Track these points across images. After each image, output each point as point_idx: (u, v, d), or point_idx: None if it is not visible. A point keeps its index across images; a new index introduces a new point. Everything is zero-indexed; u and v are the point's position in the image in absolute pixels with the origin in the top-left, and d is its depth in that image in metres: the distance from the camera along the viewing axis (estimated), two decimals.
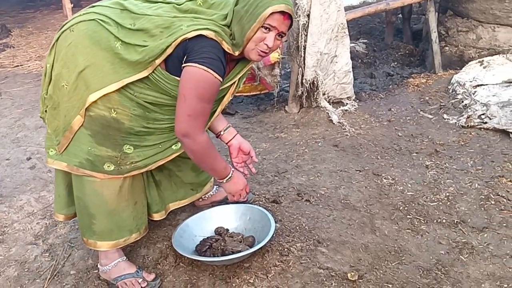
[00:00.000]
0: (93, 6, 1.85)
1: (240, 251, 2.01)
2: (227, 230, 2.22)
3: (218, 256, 2.03)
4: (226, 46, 1.71)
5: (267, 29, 1.70)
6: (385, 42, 5.19)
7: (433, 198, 2.43)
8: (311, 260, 2.05)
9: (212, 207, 2.36)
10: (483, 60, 3.80)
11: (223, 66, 1.71)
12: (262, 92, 3.69)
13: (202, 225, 2.23)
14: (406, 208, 2.37)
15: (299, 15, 3.25)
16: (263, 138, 3.22)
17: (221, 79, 1.70)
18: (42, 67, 5.49)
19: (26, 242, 2.30)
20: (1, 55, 5.69)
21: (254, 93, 3.69)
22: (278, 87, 3.60)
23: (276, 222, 2.22)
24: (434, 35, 4.05)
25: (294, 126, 3.37)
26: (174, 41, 1.65)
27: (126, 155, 1.83)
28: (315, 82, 3.43)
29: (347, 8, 3.70)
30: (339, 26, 3.38)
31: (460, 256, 2.03)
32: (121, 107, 1.74)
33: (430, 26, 4.05)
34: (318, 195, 2.53)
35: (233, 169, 1.99)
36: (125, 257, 2.03)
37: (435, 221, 2.26)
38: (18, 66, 5.48)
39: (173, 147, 1.93)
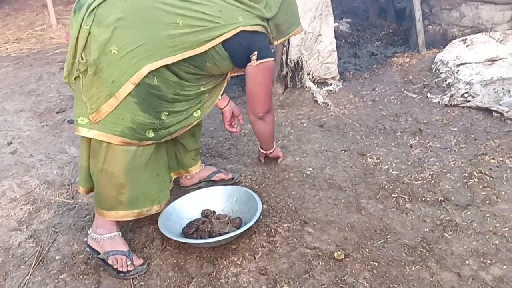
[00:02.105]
0: None
1: (227, 233, 2.01)
2: (214, 212, 2.22)
3: (205, 238, 2.03)
4: (270, 38, 2.10)
5: None
6: (369, 21, 5.17)
7: (418, 177, 2.46)
8: (298, 240, 2.06)
9: (198, 188, 2.35)
10: (466, 39, 3.82)
11: None
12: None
13: (188, 208, 2.22)
14: (391, 187, 2.40)
15: None
16: (248, 120, 3.19)
17: None
18: (21, 50, 5.35)
19: (10, 228, 2.27)
20: None
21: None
22: None
23: (262, 203, 2.22)
24: (418, 14, 4.05)
25: (279, 107, 3.36)
26: (234, 29, 1.88)
27: (162, 122, 1.93)
28: (300, 62, 3.41)
29: None
30: (323, 4, 3.35)
31: (444, 234, 2.06)
32: (162, 75, 1.84)
33: (414, 4, 4.04)
34: (304, 175, 2.53)
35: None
36: (120, 233, 2.04)
37: (419, 199, 2.29)
38: None
39: (195, 114, 2.09)
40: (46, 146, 3.01)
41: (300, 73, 3.45)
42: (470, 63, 3.48)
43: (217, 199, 2.27)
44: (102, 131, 1.81)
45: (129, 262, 1.93)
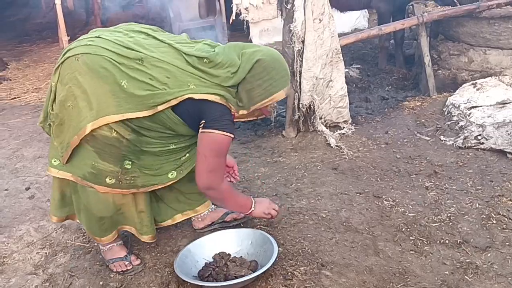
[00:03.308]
0: (99, 37, 1.94)
1: (243, 276, 1.99)
2: (229, 255, 2.20)
3: (220, 281, 2.00)
4: (230, 106, 1.96)
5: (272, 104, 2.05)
6: (378, 67, 5.27)
7: (435, 219, 2.43)
8: (316, 283, 2.03)
9: (213, 231, 2.35)
10: (476, 82, 3.86)
11: (234, 123, 2.01)
12: (259, 117, 3.67)
13: (204, 250, 2.21)
14: (408, 229, 2.37)
15: (294, 41, 3.31)
16: (262, 163, 3.23)
17: (234, 136, 1.98)
18: (39, 99, 5.50)
19: (26, 272, 2.27)
20: None
21: (251, 118, 3.67)
22: (275, 112, 3.63)
23: (278, 246, 2.20)
24: (427, 59, 4.13)
25: (292, 150, 3.39)
26: (180, 96, 1.87)
27: (126, 170, 1.99)
28: (312, 107, 3.47)
29: (340, 35, 3.77)
30: (334, 52, 3.45)
31: (465, 276, 2.02)
32: (118, 130, 1.91)
33: (423, 50, 4.13)
34: (320, 218, 2.52)
35: (254, 204, 2.20)
36: (120, 241, 2.25)
37: (438, 241, 2.26)
38: (15, 98, 5.48)
39: (169, 175, 2.10)
40: None
41: (312, 117, 3.50)
42: (482, 106, 3.51)
43: (232, 242, 2.25)
44: (69, 172, 2.01)
45: (127, 263, 2.18)
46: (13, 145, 3.91)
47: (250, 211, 2.19)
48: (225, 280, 2.01)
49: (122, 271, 2.18)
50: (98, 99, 1.87)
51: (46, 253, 2.40)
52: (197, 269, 2.12)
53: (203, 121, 1.91)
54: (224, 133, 1.91)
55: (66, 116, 1.93)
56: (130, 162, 1.99)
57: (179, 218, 2.34)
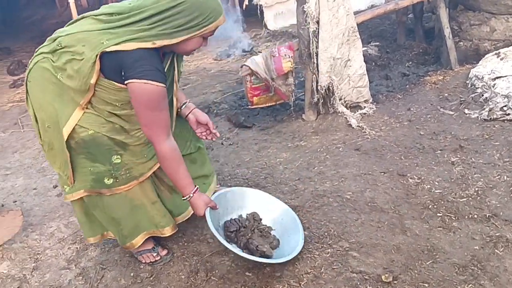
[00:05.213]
0: (37, 50, 1.98)
1: (264, 253, 2.04)
2: (261, 220, 2.27)
3: (240, 246, 2.10)
4: (152, 45, 1.76)
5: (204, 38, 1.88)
6: (397, 43, 5.15)
7: (462, 194, 2.39)
8: (343, 265, 2.03)
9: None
10: (499, 52, 3.74)
11: (160, 70, 1.80)
12: (278, 102, 3.70)
13: (238, 201, 2.30)
14: (435, 206, 2.33)
15: (308, 22, 3.26)
16: (283, 148, 3.21)
17: (163, 85, 1.79)
18: None
19: (59, 267, 2.33)
20: (19, 90, 5.82)
21: (269, 104, 3.70)
22: (293, 96, 3.60)
23: (304, 230, 2.20)
24: (447, 31, 4.01)
25: (313, 134, 3.36)
26: (96, 56, 1.75)
27: (117, 165, 1.99)
28: (330, 88, 3.43)
29: (356, 13, 3.70)
30: (350, 30, 3.38)
31: (496, 250, 1.98)
32: (92, 127, 1.91)
33: (442, 22, 4.01)
34: (344, 199, 2.50)
35: (193, 193, 2.01)
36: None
37: (466, 217, 2.22)
38: None
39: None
40: None
41: (331, 99, 3.46)
42: (506, 76, 3.40)
43: (268, 209, 2.30)
44: (81, 189, 2.03)
45: (154, 254, 2.23)
46: (38, 145, 3.99)
47: (187, 197, 2.01)
48: (245, 247, 2.10)
49: (150, 262, 2.23)
50: (61, 103, 1.90)
51: (77, 248, 2.46)
52: (225, 217, 2.21)
53: (123, 73, 1.77)
54: (145, 80, 1.74)
55: (51, 137, 1.97)
56: (118, 156, 1.98)
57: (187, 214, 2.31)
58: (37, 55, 1.94)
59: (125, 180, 2.02)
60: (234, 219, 2.23)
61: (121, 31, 1.76)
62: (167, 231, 2.21)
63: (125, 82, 1.77)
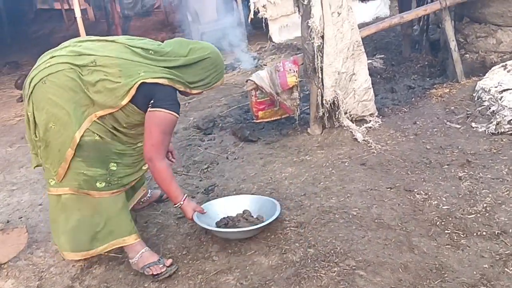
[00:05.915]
0: (53, 57, 2.16)
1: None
2: (250, 214, 2.53)
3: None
4: (179, 87, 2.20)
5: None
6: (402, 55, 5.14)
7: (471, 210, 2.35)
8: (350, 284, 2.00)
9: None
10: (506, 64, 3.72)
11: (179, 104, 2.21)
12: (283, 116, 3.69)
13: (227, 207, 2.57)
14: (443, 223, 2.30)
15: (313, 37, 3.26)
16: (288, 163, 3.20)
17: (178, 115, 2.19)
18: None
19: (64, 286, 2.32)
20: None
21: (275, 118, 3.69)
22: (299, 110, 3.59)
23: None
24: (453, 44, 4.00)
25: (318, 148, 3.35)
26: (135, 84, 2.07)
27: (112, 172, 2.23)
28: (336, 102, 3.41)
29: (361, 26, 3.70)
30: (355, 44, 3.38)
31: (505, 269, 1.94)
32: (98, 133, 2.16)
33: (448, 34, 4.00)
34: (351, 216, 2.48)
35: (183, 200, 2.30)
36: (147, 248, 2.32)
37: (475, 234, 2.19)
38: None
39: (143, 167, 2.44)
40: None
41: (337, 113, 3.45)
42: None
43: (256, 206, 2.57)
44: (67, 187, 2.19)
45: (161, 266, 2.24)
46: None
47: (178, 204, 2.31)
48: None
49: (157, 274, 2.23)
50: (75, 109, 2.09)
51: (81, 265, 2.45)
52: (215, 220, 2.46)
53: (152, 101, 2.12)
54: (169, 111, 2.13)
55: (51, 136, 2.12)
56: (115, 164, 2.24)
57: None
58: (62, 63, 2.11)
59: (115, 186, 2.25)
60: (224, 217, 2.48)
61: (157, 69, 2.13)
62: (131, 239, 2.31)
63: (151, 109, 2.12)
